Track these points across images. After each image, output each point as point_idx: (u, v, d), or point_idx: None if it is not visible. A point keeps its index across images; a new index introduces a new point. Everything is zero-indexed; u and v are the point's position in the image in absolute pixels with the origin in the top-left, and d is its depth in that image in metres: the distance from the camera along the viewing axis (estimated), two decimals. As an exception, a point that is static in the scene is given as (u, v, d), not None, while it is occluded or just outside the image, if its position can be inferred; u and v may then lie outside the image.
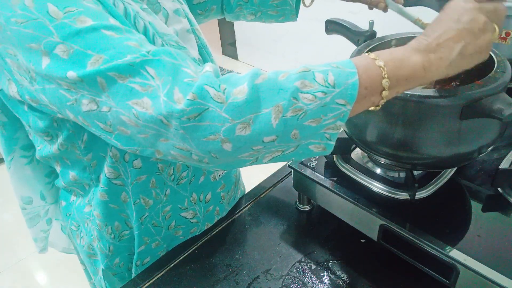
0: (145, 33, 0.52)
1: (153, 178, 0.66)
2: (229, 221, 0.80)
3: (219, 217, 0.80)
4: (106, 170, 0.63)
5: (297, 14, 0.85)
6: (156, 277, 0.70)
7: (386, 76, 0.43)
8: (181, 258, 0.73)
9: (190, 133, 0.42)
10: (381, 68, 0.43)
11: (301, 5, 0.84)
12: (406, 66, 0.44)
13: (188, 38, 0.64)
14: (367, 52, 0.57)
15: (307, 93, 0.42)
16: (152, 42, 0.53)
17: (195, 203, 0.74)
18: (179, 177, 0.69)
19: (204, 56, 0.67)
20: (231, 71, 3.30)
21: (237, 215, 0.81)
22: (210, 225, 0.79)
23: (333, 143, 0.46)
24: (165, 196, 0.69)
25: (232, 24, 3.37)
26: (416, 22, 0.62)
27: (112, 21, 0.45)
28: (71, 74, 0.43)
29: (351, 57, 0.64)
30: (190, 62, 0.45)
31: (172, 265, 0.72)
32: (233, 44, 3.49)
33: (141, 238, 0.72)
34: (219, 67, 3.40)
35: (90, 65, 0.42)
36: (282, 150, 0.45)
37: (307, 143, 0.45)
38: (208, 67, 0.45)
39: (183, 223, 0.75)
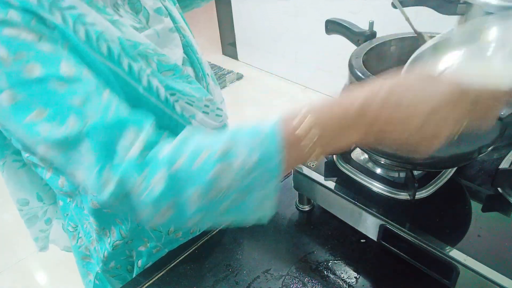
0: (110, 54, 0.49)
1: None
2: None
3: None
4: None
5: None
6: (156, 277, 0.70)
7: (314, 153, 0.42)
8: (181, 258, 0.73)
9: (118, 206, 0.45)
10: (310, 146, 0.41)
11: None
12: (339, 141, 0.42)
13: (171, 37, 0.62)
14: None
15: (225, 178, 0.42)
16: (118, 63, 0.50)
17: None
18: None
19: (189, 55, 0.66)
20: (231, 71, 3.31)
21: (237, 215, 0.81)
22: (182, 244, 0.75)
23: (270, 212, 0.46)
24: None
25: (232, 24, 3.37)
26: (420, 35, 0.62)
27: (64, 67, 0.44)
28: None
29: (350, 58, 0.64)
30: (130, 133, 0.44)
31: (172, 265, 0.72)
32: (233, 44, 3.49)
33: (140, 238, 0.72)
34: (219, 67, 3.40)
35: (29, 119, 0.42)
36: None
37: (239, 216, 0.46)
38: (139, 142, 0.44)
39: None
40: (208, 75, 0.68)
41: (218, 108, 0.65)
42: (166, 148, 0.44)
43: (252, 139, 0.42)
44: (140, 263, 0.75)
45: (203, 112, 0.62)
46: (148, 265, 0.74)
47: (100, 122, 0.44)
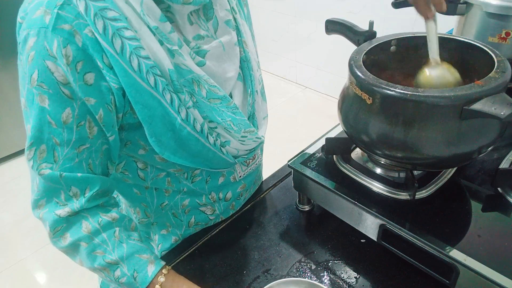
0: (156, 86, 0.54)
1: (169, 177, 0.70)
2: (229, 221, 0.80)
3: (234, 211, 0.82)
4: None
5: None
6: (156, 277, 0.70)
7: None
8: (181, 258, 0.73)
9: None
10: None
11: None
12: None
13: (233, 51, 0.64)
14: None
15: (101, 274, 0.61)
16: (162, 95, 0.55)
17: (214, 201, 0.77)
18: (192, 175, 0.71)
19: (244, 70, 0.67)
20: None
21: (237, 215, 0.81)
22: (224, 218, 0.81)
23: None
24: (183, 191, 0.73)
25: (232, 24, 3.37)
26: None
27: (65, 113, 0.53)
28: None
29: (350, 58, 0.64)
30: (72, 191, 0.58)
31: (172, 265, 0.72)
32: (233, 44, 3.49)
33: (163, 222, 0.76)
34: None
35: (26, 127, 0.56)
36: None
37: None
38: (71, 205, 0.58)
39: (202, 219, 0.78)
40: (257, 92, 0.69)
41: (257, 137, 0.69)
42: (85, 226, 0.58)
43: (132, 275, 0.59)
44: (160, 247, 0.79)
45: (239, 140, 0.67)
46: (165, 252, 0.78)
47: (55, 170, 0.55)
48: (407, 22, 2.02)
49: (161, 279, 0.59)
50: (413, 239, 0.58)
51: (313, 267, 0.68)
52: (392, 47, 0.70)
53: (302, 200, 0.79)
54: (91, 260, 0.59)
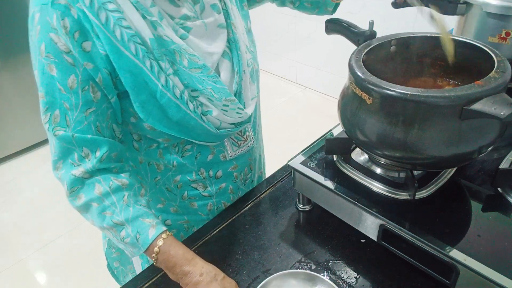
0: (137, 54, 0.60)
1: (160, 149, 0.74)
2: (229, 221, 0.80)
3: (235, 196, 0.84)
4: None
5: (334, 7, 0.93)
6: (156, 277, 0.70)
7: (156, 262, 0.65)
8: (181, 258, 0.73)
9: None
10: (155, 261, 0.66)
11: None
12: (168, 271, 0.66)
13: (217, 32, 0.70)
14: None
15: (108, 233, 0.67)
16: (142, 62, 0.61)
17: (204, 178, 0.79)
18: (183, 149, 0.74)
19: (232, 50, 0.72)
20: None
21: (237, 215, 0.81)
22: (227, 204, 0.84)
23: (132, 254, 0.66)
24: (173, 166, 0.76)
25: (232, 24, 3.37)
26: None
27: (70, 79, 0.60)
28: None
29: (350, 58, 0.64)
30: (84, 151, 0.64)
31: (172, 265, 0.72)
32: (233, 44, 3.49)
33: (157, 197, 0.79)
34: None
35: (39, 94, 0.63)
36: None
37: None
38: (84, 165, 0.65)
39: (195, 195, 0.81)
40: (244, 72, 0.73)
41: (239, 108, 0.72)
42: (97, 188, 0.64)
43: (135, 236, 0.64)
44: (160, 218, 0.82)
45: (222, 110, 0.70)
46: (170, 226, 0.83)
47: (68, 132, 0.62)
48: (407, 22, 2.02)
49: (160, 242, 0.63)
50: (413, 239, 0.58)
51: (313, 267, 0.68)
52: (392, 47, 0.70)
53: (302, 200, 0.79)
54: (100, 219, 0.65)
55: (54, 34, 0.57)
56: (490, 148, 0.59)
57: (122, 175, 0.68)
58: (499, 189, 0.64)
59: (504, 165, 0.69)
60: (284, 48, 3.06)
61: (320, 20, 0.85)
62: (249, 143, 0.83)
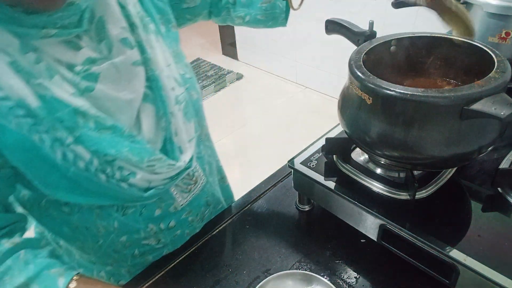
0: (21, 128, 0.49)
1: (96, 210, 0.64)
2: (229, 221, 0.80)
3: (193, 234, 0.78)
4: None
5: (286, 18, 0.82)
6: (156, 277, 0.70)
7: None
8: (181, 258, 0.73)
9: None
10: None
11: (290, 9, 0.80)
12: None
13: (132, 71, 0.58)
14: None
15: None
16: (30, 136, 0.50)
17: (155, 232, 0.71)
18: (123, 206, 0.65)
19: (154, 90, 0.61)
20: (231, 71, 3.30)
21: (237, 215, 0.81)
22: (182, 244, 0.76)
23: None
24: (115, 229, 0.67)
25: (232, 24, 3.37)
26: None
27: None
28: None
29: (350, 58, 0.64)
30: None
31: (172, 265, 0.72)
32: (233, 44, 3.49)
33: (104, 260, 0.71)
34: (219, 67, 3.40)
35: None
36: None
37: None
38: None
39: (148, 250, 0.73)
40: (172, 113, 0.62)
41: (170, 164, 0.62)
42: None
43: None
44: (112, 280, 0.77)
45: (147, 171, 0.59)
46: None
47: None
48: (407, 22, 2.01)
49: (72, 285, 0.55)
50: (413, 239, 0.58)
51: (313, 267, 0.68)
52: (392, 47, 0.70)
53: (302, 200, 0.79)
54: None
55: None
56: (490, 148, 0.59)
57: (15, 234, 0.58)
58: (499, 189, 0.64)
59: (504, 165, 0.69)
60: (284, 48, 3.06)
61: (320, 20, 0.85)
62: (201, 183, 0.74)
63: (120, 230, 0.67)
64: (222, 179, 0.91)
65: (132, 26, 0.59)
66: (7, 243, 0.55)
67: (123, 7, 0.58)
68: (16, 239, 0.57)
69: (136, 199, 0.62)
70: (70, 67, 0.52)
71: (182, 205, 0.72)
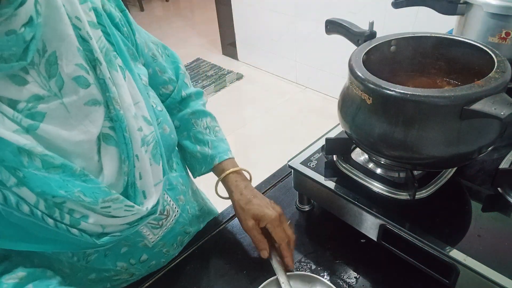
0: None
1: (54, 255, 0.60)
2: (229, 221, 0.80)
3: (192, 235, 0.77)
4: None
5: (199, 174, 0.78)
6: (156, 277, 0.70)
7: None
8: (181, 258, 0.73)
9: None
10: None
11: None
12: None
13: (83, 111, 0.52)
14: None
15: None
16: None
17: (126, 268, 0.67)
18: (84, 253, 0.61)
19: (117, 131, 0.55)
20: (231, 71, 3.31)
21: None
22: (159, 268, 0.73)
23: None
24: (80, 269, 0.63)
25: (232, 24, 3.37)
26: None
27: None
28: None
29: (350, 58, 0.64)
30: None
31: (172, 265, 0.72)
32: (233, 44, 3.49)
33: None
34: (219, 67, 3.40)
35: None
36: None
37: None
38: None
39: (121, 282, 0.70)
40: (137, 156, 0.56)
41: (128, 206, 0.55)
42: None
43: None
44: None
45: (101, 213, 0.53)
46: None
47: None
48: (407, 22, 2.01)
49: None
50: (413, 239, 0.58)
51: (313, 267, 0.68)
52: (392, 47, 0.70)
53: (302, 200, 0.79)
54: None
55: None
56: (490, 148, 0.59)
57: (15, 269, 0.54)
58: (499, 189, 0.64)
59: (504, 165, 0.69)
60: (284, 48, 3.06)
61: (320, 20, 0.85)
62: (174, 215, 0.70)
63: (87, 269, 0.64)
64: (203, 200, 0.88)
65: (93, 62, 0.53)
66: (10, 280, 0.52)
67: (85, 41, 0.52)
68: (19, 273, 0.53)
69: (89, 246, 0.55)
70: (12, 103, 0.47)
71: (153, 241, 0.68)
